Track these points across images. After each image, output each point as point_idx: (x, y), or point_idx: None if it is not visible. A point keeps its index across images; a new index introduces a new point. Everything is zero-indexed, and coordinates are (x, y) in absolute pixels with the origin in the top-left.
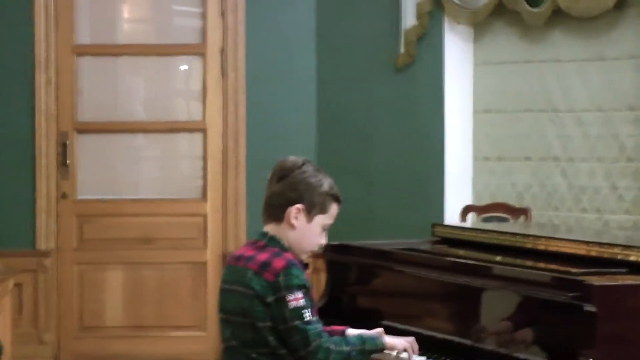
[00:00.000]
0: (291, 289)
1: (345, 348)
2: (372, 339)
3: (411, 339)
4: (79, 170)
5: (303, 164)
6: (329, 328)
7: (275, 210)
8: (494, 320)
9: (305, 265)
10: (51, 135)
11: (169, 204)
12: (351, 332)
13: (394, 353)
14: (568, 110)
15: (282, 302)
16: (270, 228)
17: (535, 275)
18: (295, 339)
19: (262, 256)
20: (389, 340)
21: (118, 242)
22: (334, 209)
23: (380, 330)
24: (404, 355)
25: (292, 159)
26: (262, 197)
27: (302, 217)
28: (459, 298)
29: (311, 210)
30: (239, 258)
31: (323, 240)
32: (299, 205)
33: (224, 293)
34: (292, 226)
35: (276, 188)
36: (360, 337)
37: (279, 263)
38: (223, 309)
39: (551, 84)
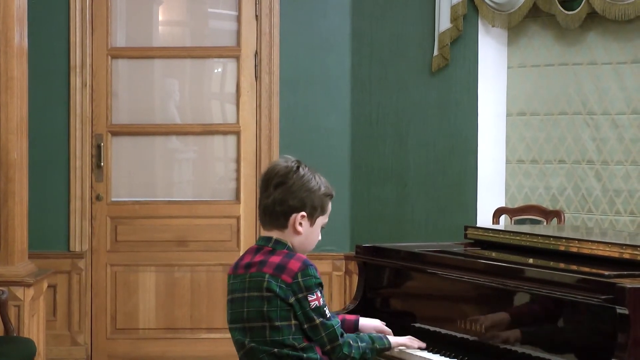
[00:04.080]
0: (311, 288)
1: (362, 344)
2: (380, 338)
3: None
4: (113, 172)
5: (298, 167)
6: (341, 317)
7: (279, 217)
8: (526, 323)
9: None
10: (86, 137)
11: (203, 206)
12: (363, 320)
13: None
14: (603, 113)
15: (304, 302)
16: (273, 234)
17: (568, 277)
18: (322, 335)
19: (275, 259)
20: (393, 339)
21: (152, 244)
22: (329, 207)
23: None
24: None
25: (284, 163)
26: None
27: (306, 222)
28: (492, 300)
29: (313, 214)
30: (248, 265)
31: (319, 237)
32: (303, 213)
33: (237, 302)
34: (298, 232)
35: (276, 195)
36: (370, 337)
37: (294, 265)
38: (239, 317)
39: (586, 86)
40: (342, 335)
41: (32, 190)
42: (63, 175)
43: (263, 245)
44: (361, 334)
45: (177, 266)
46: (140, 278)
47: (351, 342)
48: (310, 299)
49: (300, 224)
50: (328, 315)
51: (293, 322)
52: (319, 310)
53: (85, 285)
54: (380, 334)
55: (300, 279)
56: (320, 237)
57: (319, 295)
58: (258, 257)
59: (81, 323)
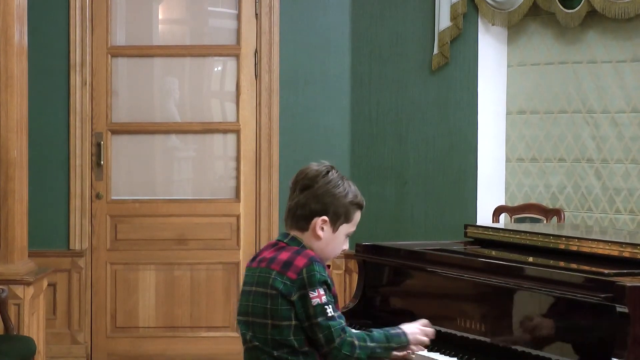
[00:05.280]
0: (313, 285)
1: (370, 344)
2: (398, 335)
3: (423, 321)
4: (113, 170)
5: (327, 172)
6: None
7: (300, 220)
8: (525, 321)
9: (327, 267)
10: (86, 136)
11: (203, 205)
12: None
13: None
14: (603, 111)
15: (306, 299)
16: (294, 234)
17: (568, 276)
18: (319, 336)
19: (284, 255)
20: (412, 337)
21: (151, 243)
22: (357, 216)
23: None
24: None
25: (315, 166)
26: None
27: (328, 228)
28: (491, 299)
29: (336, 221)
30: (261, 260)
31: (346, 246)
32: (324, 217)
33: (245, 295)
34: (318, 237)
35: (300, 198)
36: (385, 335)
37: (301, 261)
38: (244, 311)
39: (586, 85)
40: (342, 335)
41: (32, 189)
42: (63, 174)
43: (279, 241)
44: (374, 332)
45: (177, 264)
46: (140, 276)
47: (355, 341)
48: (311, 295)
49: (322, 228)
50: (329, 315)
51: (293, 322)
52: (320, 309)
53: (85, 284)
54: (398, 331)
55: (304, 275)
56: (346, 247)
57: (321, 292)
58: (271, 253)
59: (81, 321)
